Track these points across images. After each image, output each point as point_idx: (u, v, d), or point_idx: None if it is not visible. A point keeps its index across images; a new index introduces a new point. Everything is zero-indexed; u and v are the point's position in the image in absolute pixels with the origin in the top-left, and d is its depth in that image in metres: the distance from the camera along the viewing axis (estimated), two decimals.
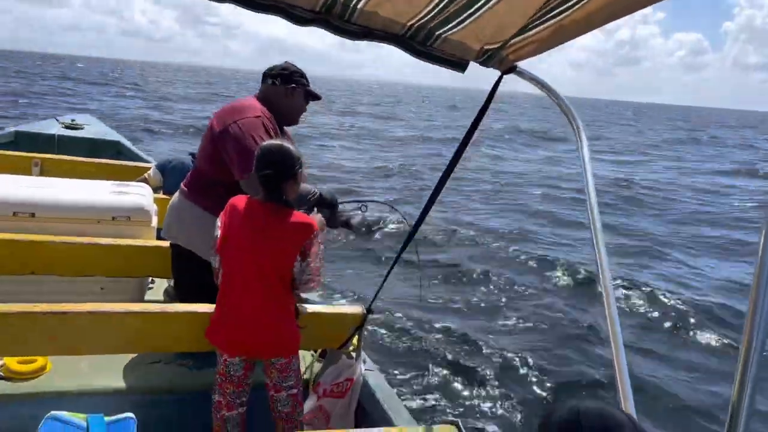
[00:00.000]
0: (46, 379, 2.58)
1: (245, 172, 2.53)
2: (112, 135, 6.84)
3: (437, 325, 6.09)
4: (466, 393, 4.81)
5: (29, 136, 6.22)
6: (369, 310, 2.77)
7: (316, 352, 3.03)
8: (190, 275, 2.89)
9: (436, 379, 4.95)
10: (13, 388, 2.49)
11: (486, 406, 4.66)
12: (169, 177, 4.28)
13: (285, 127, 2.90)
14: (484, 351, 5.60)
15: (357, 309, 2.78)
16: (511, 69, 1.88)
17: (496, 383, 4.96)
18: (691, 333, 6.70)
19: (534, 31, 1.64)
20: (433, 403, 4.58)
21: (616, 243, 10.21)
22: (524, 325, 6.40)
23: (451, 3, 1.55)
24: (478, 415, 4.51)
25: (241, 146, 2.55)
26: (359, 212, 3.05)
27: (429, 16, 1.66)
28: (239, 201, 2.31)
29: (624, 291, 7.61)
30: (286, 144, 2.28)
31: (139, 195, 3.43)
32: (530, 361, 5.45)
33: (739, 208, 15.84)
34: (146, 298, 3.57)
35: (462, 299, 7.07)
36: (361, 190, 13.58)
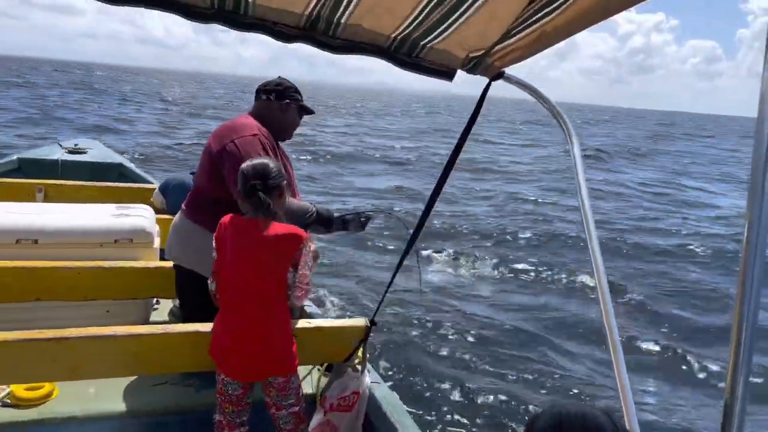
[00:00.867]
0: (53, 404, 2.59)
1: None
2: (115, 158, 6.89)
3: (443, 334, 6.05)
4: (474, 404, 4.75)
5: (33, 162, 6.27)
6: (372, 322, 2.76)
7: (321, 366, 3.02)
8: (194, 295, 2.90)
9: (444, 389, 4.89)
10: (21, 415, 2.50)
11: (494, 417, 4.60)
12: (170, 197, 4.30)
13: (280, 143, 2.92)
14: (491, 360, 5.54)
15: (360, 321, 2.77)
16: (499, 75, 1.89)
17: (505, 394, 4.88)
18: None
19: (516, 37, 1.65)
20: (441, 414, 4.53)
21: None
22: (534, 333, 6.32)
23: (432, 13, 1.56)
24: (486, 427, 4.46)
25: (238, 165, 2.56)
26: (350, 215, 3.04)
27: (411, 27, 1.67)
28: (227, 219, 2.33)
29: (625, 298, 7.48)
30: (265, 159, 2.33)
31: (141, 217, 3.44)
32: (541, 370, 5.38)
33: None
34: (151, 318, 3.58)
35: (467, 306, 7.02)
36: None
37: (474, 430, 4.40)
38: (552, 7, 1.48)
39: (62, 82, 54.32)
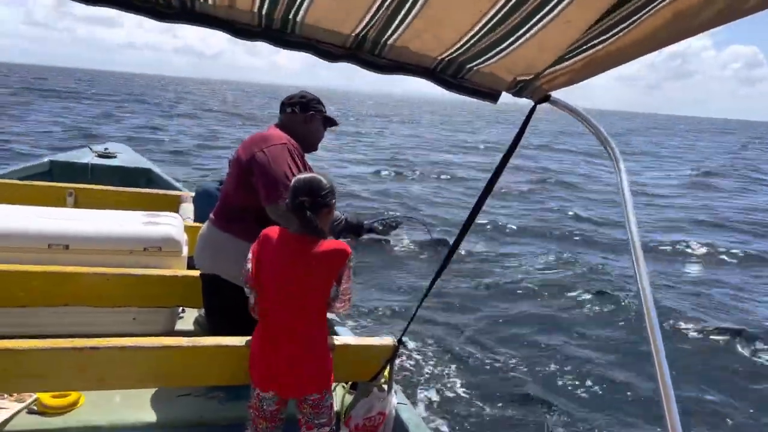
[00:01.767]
0: (78, 413, 2.59)
1: (272, 199, 2.57)
2: (144, 163, 6.96)
3: (473, 355, 5.92)
4: (503, 426, 4.64)
5: (64, 165, 6.36)
6: (400, 342, 2.73)
7: (347, 384, 2.99)
8: (220, 304, 2.89)
9: (473, 413, 4.78)
10: (47, 422, 2.50)
11: None
12: (197, 206, 4.33)
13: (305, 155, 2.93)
14: (523, 380, 5.39)
15: (388, 340, 2.73)
16: (545, 98, 1.84)
17: (537, 416, 4.76)
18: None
19: (567, 63, 1.61)
20: None
21: None
22: (570, 351, 6.14)
23: (481, 40, 1.52)
24: None
25: (267, 173, 2.60)
26: (378, 222, 3.03)
27: (459, 52, 1.64)
28: (272, 232, 2.28)
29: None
30: (319, 175, 2.30)
31: (170, 225, 3.45)
32: (576, 393, 5.23)
33: None
34: (177, 327, 3.58)
35: (499, 325, 6.88)
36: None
37: None
38: (606, 35, 1.44)
39: (126, 97, 53.43)
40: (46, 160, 6.41)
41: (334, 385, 2.91)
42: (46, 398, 2.56)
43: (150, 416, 2.65)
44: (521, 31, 1.46)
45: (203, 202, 4.26)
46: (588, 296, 7.98)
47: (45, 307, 3.04)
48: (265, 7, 1.54)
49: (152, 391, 2.82)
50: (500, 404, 4.95)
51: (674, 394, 1.38)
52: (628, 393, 5.34)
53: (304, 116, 2.86)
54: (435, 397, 4.96)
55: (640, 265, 1.53)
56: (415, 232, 9.14)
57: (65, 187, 4.75)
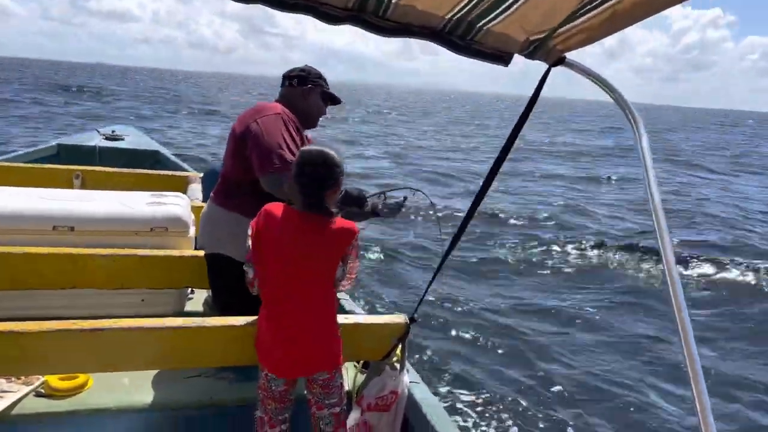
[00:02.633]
0: (87, 395, 2.55)
1: (265, 170, 2.50)
2: (151, 145, 6.92)
3: (487, 331, 5.84)
4: (518, 406, 4.56)
5: (71, 149, 6.33)
6: (412, 319, 2.66)
7: (358, 363, 2.93)
8: (225, 284, 2.84)
9: (486, 391, 4.70)
10: (55, 405, 2.47)
11: (540, 423, 4.41)
12: (204, 186, 4.27)
13: (307, 132, 2.85)
14: (538, 360, 5.31)
15: (400, 318, 2.66)
16: (560, 61, 1.74)
17: (552, 400, 4.66)
18: None
19: (584, 18, 1.50)
20: (484, 418, 4.36)
21: None
22: (589, 334, 6.01)
23: None
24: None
25: (260, 143, 2.54)
26: (379, 199, 2.86)
27: (469, 6, 1.53)
28: (275, 209, 2.18)
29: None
30: (328, 149, 2.15)
31: (176, 205, 3.40)
32: (595, 373, 5.12)
33: None
34: (186, 308, 3.54)
35: (513, 300, 6.80)
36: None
37: None
38: None
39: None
40: (53, 143, 6.39)
41: (345, 364, 2.87)
42: (54, 381, 2.53)
43: (159, 398, 2.62)
44: None
45: (211, 182, 4.20)
46: (618, 284, 7.76)
47: (52, 289, 3.01)
48: None
49: (161, 372, 2.78)
50: (514, 383, 4.88)
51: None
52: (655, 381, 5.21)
53: (303, 90, 2.77)
54: (448, 376, 4.90)
55: (664, 237, 1.44)
56: (421, 204, 8.96)
57: (72, 169, 4.71)
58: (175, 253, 3.18)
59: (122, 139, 6.79)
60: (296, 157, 2.16)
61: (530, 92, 1.92)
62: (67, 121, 22.35)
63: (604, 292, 7.46)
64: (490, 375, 5.00)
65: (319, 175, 2.09)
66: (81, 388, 2.56)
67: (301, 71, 2.80)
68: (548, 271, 8.00)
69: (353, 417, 2.60)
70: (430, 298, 5.99)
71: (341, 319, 2.54)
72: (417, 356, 5.12)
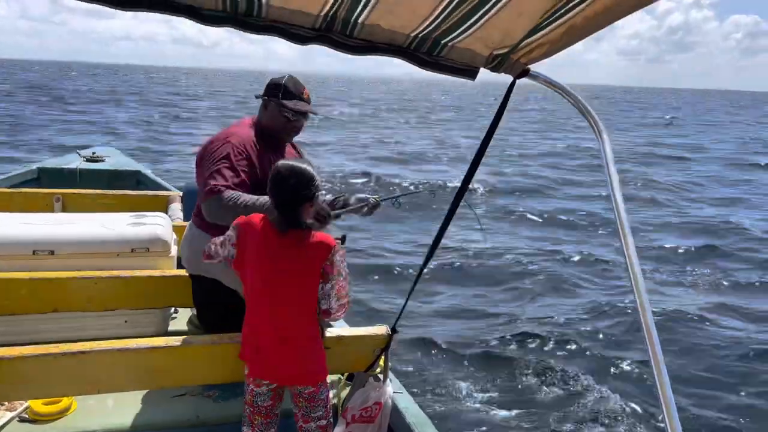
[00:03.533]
0: (71, 419, 2.55)
1: (204, 198, 2.52)
2: (132, 165, 6.90)
3: (469, 339, 5.87)
4: (501, 413, 4.59)
5: (51, 172, 6.30)
6: (394, 330, 2.69)
7: (343, 375, 2.96)
8: (208, 302, 2.86)
9: (470, 398, 4.74)
10: (39, 430, 2.46)
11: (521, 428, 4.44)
12: (185, 204, 4.29)
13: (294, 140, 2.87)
14: (521, 367, 5.33)
15: (381, 329, 2.70)
16: (524, 73, 1.80)
17: (536, 406, 4.68)
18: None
19: (544, 32, 1.56)
20: (468, 425, 4.38)
21: None
22: (571, 341, 6.04)
23: (454, 11, 1.48)
24: None
25: (200, 172, 2.56)
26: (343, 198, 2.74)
27: (433, 26, 1.59)
28: (256, 220, 2.20)
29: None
30: (301, 164, 2.16)
31: (157, 225, 3.41)
32: (571, 375, 5.17)
33: None
34: (171, 328, 3.54)
35: (495, 308, 6.83)
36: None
37: None
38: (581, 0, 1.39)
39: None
40: (34, 167, 6.35)
41: (331, 377, 2.89)
42: (38, 405, 2.53)
43: (145, 419, 2.62)
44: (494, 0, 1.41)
45: (191, 201, 4.22)
46: (593, 288, 7.82)
47: (33, 314, 3.00)
48: None
49: (146, 393, 2.78)
50: (497, 390, 4.91)
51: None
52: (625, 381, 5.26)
53: (264, 104, 2.71)
54: (432, 384, 4.92)
55: (627, 241, 1.49)
56: (398, 212, 8.93)
57: (52, 192, 4.69)
58: (157, 273, 3.19)
59: (103, 161, 6.77)
60: (270, 174, 2.16)
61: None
62: None
63: (580, 299, 7.52)
64: (474, 382, 5.04)
65: (293, 190, 2.10)
66: (65, 412, 2.56)
67: (269, 83, 2.71)
68: (529, 280, 8.03)
69: (338, 430, 2.62)
70: (412, 308, 6.00)
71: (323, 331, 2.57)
72: (401, 367, 5.13)
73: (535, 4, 1.42)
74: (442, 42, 1.70)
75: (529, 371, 5.29)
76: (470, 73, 1.86)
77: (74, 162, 6.63)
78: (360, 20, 1.61)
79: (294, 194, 2.11)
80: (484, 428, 4.38)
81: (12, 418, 2.49)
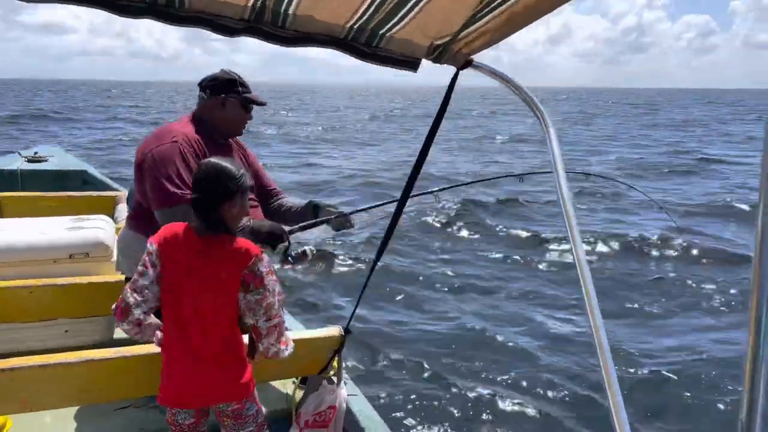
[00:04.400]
0: None
1: (158, 205, 2.38)
2: (78, 165, 6.63)
3: (424, 339, 5.77)
4: (456, 414, 4.52)
5: None
6: (347, 330, 2.61)
7: (297, 379, 2.87)
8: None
9: (425, 400, 4.63)
10: None
11: (475, 428, 4.40)
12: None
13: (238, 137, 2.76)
14: (478, 366, 5.25)
15: (334, 330, 2.61)
16: (467, 63, 1.73)
17: (493, 406, 4.63)
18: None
19: (484, 21, 1.49)
20: (424, 427, 4.32)
21: None
22: (517, 336, 5.99)
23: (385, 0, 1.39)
24: None
25: (153, 178, 2.39)
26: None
27: (366, 16, 1.50)
28: (177, 229, 2.01)
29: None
30: (223, 161, 1.99)
31: (98, 229, 3.25)
32: (520, 374, 5.14)
33: None
34: (116, 336, 3.39)
35: (449, 307, 6.77)
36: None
37: None
38: None
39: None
40: None
41: (283, 382, 2.79)
42: None
43: None
44: None
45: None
46: (546, 288, 7.82)
47: None
48: None
49: (86, 406, 2.64)
50: (453, 390, 4.85)
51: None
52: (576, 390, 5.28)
53: (217, 99, 2.60)
54: (387, 386, 4.83)
55: (575, 235, 1.44)
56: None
57: None
58: (98, 279, 3.04)
59: (46, 161, 6.48)
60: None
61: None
62: None
63: (533, 288, 7.54)
64: (429, 382, 4.96)
65: (210, 188, 1.94)
66: None
67: (213, 80, 2.62)
68: (483, 276, 8.01)
69: None
70: (364, 308, 5.90)
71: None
72: (355, 367, 5.03)
73: None
74: (380, 33, 1.62)
75: (492, 371, 5.23)
76: (411, 64, 1.78)
77: (15, 163, 6.34)
78: (290, 11, 1.51)
79: (212, 193, 1.93)
80: (436, 427, 4.32)
81: None
